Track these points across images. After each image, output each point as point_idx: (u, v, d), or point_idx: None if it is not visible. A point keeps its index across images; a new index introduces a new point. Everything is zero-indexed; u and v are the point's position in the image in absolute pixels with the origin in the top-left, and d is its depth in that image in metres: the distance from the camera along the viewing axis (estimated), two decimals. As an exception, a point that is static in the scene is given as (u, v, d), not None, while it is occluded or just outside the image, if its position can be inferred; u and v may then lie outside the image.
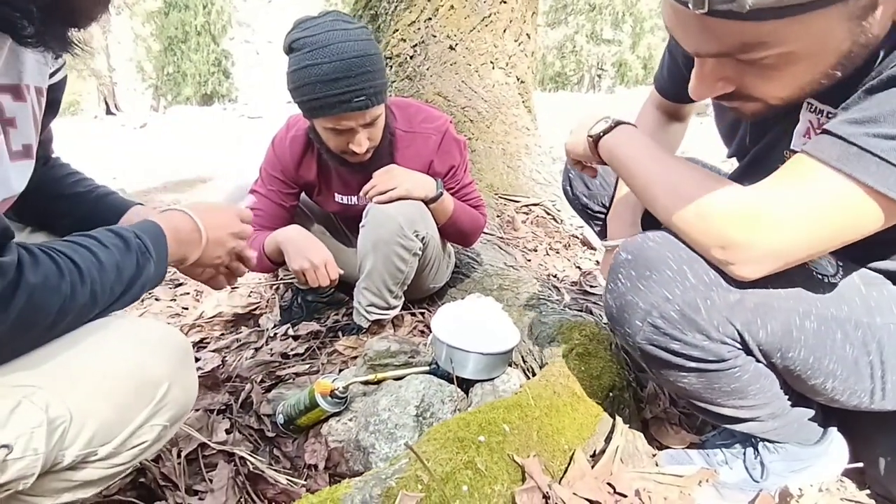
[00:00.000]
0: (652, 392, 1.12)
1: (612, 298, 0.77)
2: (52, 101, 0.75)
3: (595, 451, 0.94)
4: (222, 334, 1.62)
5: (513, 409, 0.87)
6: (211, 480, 0.94)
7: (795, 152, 0.75)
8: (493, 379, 1.10)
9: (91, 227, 0.92)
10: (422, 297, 1.66)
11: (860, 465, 0.91)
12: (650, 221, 0.89)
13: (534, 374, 1.12)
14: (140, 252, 0.66)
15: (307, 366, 1.36)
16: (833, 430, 0.89)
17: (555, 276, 1.97)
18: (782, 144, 0.78)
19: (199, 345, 1.52)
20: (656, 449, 1.00)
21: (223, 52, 26.08)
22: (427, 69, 2.73)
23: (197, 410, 1.12)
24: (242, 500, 0.91)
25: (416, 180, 1.39)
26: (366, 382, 1.12)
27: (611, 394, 1.02)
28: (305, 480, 0.97)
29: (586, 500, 0.79)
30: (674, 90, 1.10)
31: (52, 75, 0.73)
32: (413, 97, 2.64)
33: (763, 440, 0.89)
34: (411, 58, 2.76)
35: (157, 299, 1.89)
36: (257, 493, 0.92)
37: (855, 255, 0.73)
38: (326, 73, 1.17)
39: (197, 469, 0.97)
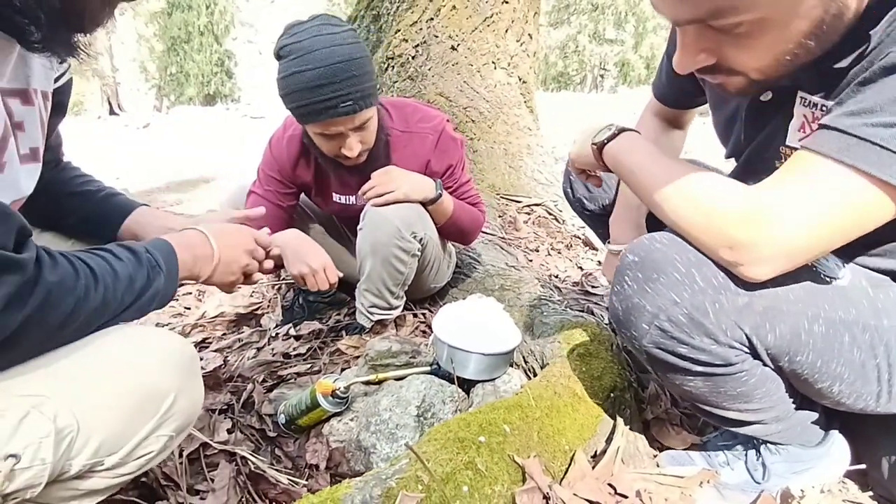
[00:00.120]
0: (653, 393, 1.12)
1: (618, 301, 0.76)
2: (59, 103, 0.76)
3: (596, 452, 0.94)
4: (224, 334, 1.63)
5: (513, 409, 0.87)
6: (212, 480, 0.94)
7: (791, 148, 0.75)
8: (494, 379, 1.10)
9: (96, 225, 0.93)
10: (423, 297, 1.66)
11: (862, 466, 0.91)
12: (654, 224, 0.89)
13: (535, 375, 1.12)
14: (150, 266, 0.68)
15: (308, 366, 1.36)
16: (835, 432, 0.89)
17: (556, 277, 1.97)
18: (777, 141, 0.78)
19: (202, 344, 1.53)
20: (657, 450, 1.00)
21: (226, 53, 26.15)
22: (429, 69, 2.73)
23: (199, 410, 1.12)
24: (244, 499, 0.91)
25: (414, 183, 1.38)
26: (367, 382, 1.12)
27: (612, 394, 1.01)
28: (307, 480, 0.98)
29: (587, 500, 0.79)
30: (673, 95, 1.10)
31: (57, 79, 0.73)
32: (415, 97, 2.64)
33: (765, 442, 0.89)
34: (413, 58, 2.77)
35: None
36: (258, 492, 0.93)
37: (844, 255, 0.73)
38: (311, 80, 1.16)
39: (198, 469, 0.97)
